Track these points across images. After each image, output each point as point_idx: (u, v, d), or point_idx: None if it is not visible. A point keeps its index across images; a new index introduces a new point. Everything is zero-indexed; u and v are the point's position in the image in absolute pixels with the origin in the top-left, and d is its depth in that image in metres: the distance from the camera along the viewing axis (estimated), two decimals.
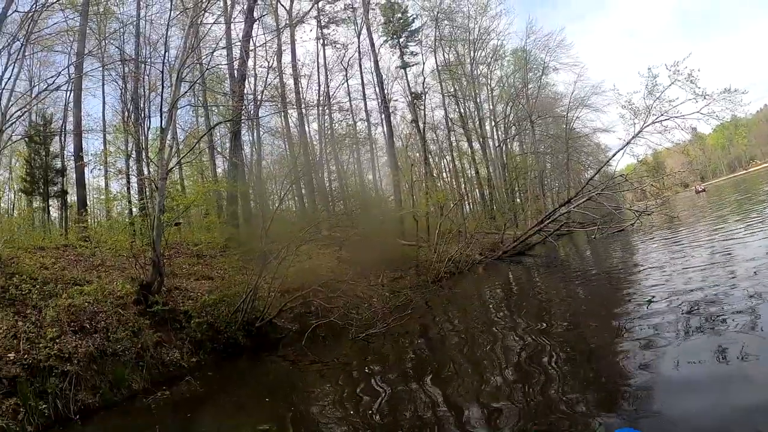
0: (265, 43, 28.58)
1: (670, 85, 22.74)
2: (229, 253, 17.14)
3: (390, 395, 7.26)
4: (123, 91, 24.86)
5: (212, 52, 22.55)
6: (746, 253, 11.71)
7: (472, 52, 45.36)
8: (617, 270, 15.98)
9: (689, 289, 9.56)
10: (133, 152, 21.66)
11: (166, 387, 9.11)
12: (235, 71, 23.22)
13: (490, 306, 15.18)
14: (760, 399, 4.60)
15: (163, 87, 15.61)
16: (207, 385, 9.30)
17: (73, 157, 22.58)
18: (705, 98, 21.79)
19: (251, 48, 24.38)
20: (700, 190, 64.84)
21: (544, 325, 9.99)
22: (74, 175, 22.70)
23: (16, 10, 15.58)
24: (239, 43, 23.30)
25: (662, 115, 23.44)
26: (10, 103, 15.67)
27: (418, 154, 40.78)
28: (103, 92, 27.78)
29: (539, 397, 6.03)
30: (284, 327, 13.35)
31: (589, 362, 6.89)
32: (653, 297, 9.19)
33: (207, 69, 21.33)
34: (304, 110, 32.03)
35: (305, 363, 10.59)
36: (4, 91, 15.01)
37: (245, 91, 23.61)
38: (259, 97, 27.16)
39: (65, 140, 26.12)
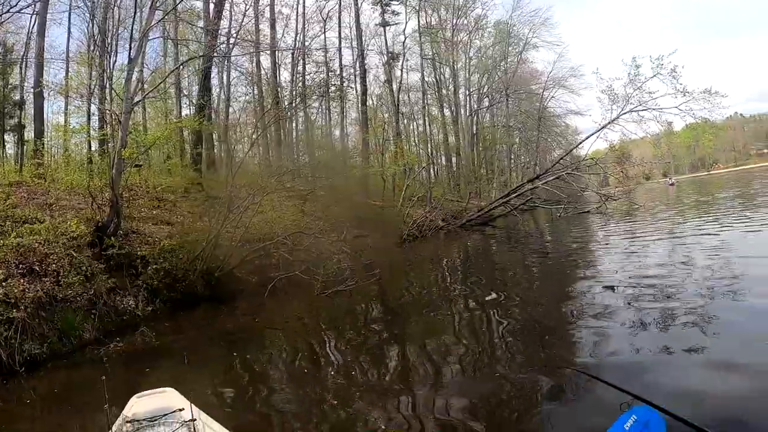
0: None
1: (652, 76, 23.06)
2: (191, 198, 16.55)
3: (345, 356, 7.12)
4: (91, 21, 23.35)
5: None
6: (701, 243, 12.28)
7: (455, 19, 44.40)
8: (574, 249, 16.12)
9: (641, 272, 9.99)
10: (97, 87, 20.46)
11: (119, 337, 8.57)
12: (211, 7, 22.30)
13: (450, 273, 15.21)
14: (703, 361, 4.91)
15: (134, 18, 14.72)
16: (162, 337, 8.78)
17: (32, 90, 21.18)
18: (685, 95, 22.18)
19: None
20: (671, 183, 66.57)
21: (498, 295, 10.00)
22: (32, 109, 21.27)
23: None
24: None
25: (640, 104, 23.74)
26: None
27: (387, 115, 40.25)
28: (69, 21, 26.11)
29: (487, 362, 6.14)
30: (244, 278, 12.96)
31: (536, 336, 6.88)
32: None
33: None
34: (278, 56, 30.98)
35: (265, 317, 10.32)
36: None
37: (219, 31, 22.59)
38: (233, 38, 26.02)
39: (25, 71, 24.45)
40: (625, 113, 24.36)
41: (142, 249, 11.48)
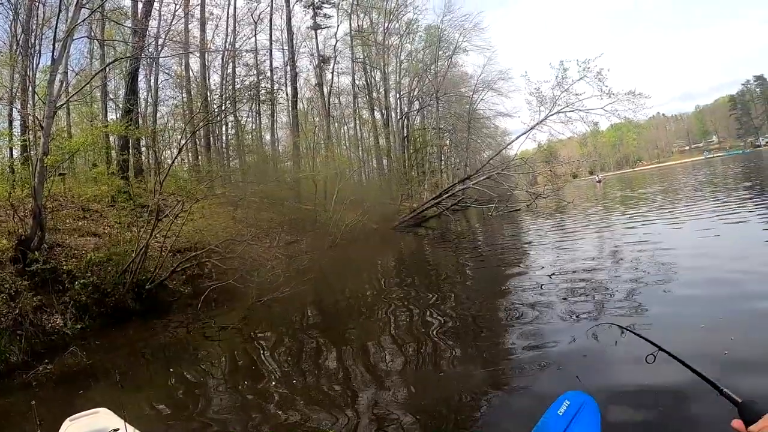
0: None
1: (579, 79, 24.50)
2: (119, 207, 16.10)
3: (284, 364, 7.12)
4: (14, 19, 22.19)
5: None
6: (629, 239, 12.79)
7: (386, 22, 45.02)
8: (507, 247, 16.59)
9: (572, 266, 10.31)
10: (18, 90, 19.45)
11: (48, 359, 8.16)
12: (139, 6, 21.79)
13: (384, 275, 15.35)
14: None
15: (58, 17, 14.12)
16: (94, 355, 8.43)
17: None
18: (610, 96, 23.55)
19: None
20: (598, 180, 69.36)
21: (433, 295, 10.26)
22: None
23: None
24: None
25: (567, 106, 24.92)
26: None
27: (318, 119, 40.30)
28: None
29: (426, 360, 6.31)
30: (176, 290, 12.80)
31: (474, 332, 7.10)
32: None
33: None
34: (207, 58, 30.45)
35: (200, 329, 10.08)
36: None
37: (147, 32, 22.08)
38: (161, 38, 25.44)
39: None
40: (552, 114, 25.64)
41: (69, 263, 11.07)
